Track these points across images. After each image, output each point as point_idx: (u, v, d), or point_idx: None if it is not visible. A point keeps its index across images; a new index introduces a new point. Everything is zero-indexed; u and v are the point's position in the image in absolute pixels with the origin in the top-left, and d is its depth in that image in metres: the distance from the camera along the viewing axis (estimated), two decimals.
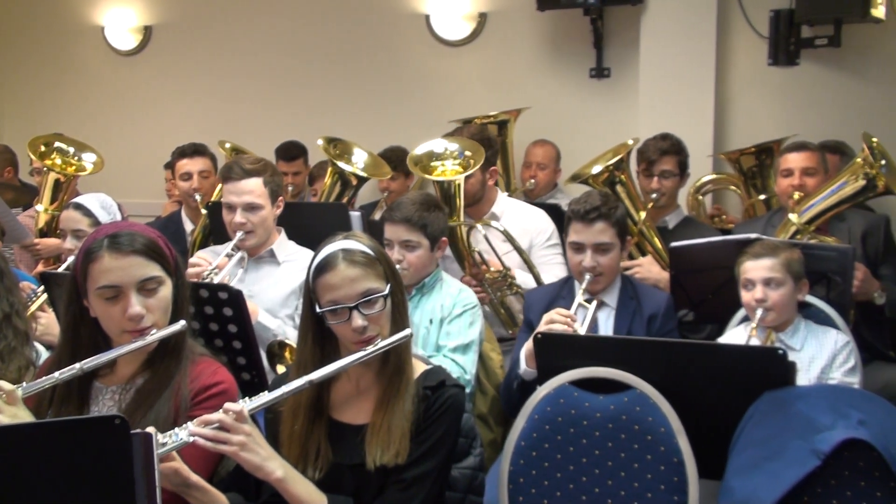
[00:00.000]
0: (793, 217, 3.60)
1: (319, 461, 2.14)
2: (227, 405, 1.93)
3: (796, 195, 3.69)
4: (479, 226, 3.76)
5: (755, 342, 2.84)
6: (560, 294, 3.29)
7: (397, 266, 2.94)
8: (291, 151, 5.51)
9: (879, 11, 4.56)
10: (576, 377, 2.49)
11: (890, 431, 2.15)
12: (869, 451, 2.08)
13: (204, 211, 4.18)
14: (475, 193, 3.85)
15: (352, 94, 5.96)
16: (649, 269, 3.73)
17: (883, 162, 3.42)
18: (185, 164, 4.44)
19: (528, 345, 2.89)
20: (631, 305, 3.23)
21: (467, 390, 2.90)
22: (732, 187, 4.93)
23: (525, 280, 3.72)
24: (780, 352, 2.39)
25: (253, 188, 3.35)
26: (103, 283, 2.06)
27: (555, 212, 4.06)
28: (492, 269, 3.69)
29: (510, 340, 3.60)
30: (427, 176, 3.76)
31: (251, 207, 3.35)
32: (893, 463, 2.06)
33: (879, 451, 2.07)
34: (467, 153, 3.75)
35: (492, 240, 3.73)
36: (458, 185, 3.68)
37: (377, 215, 4.75)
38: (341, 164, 4.17)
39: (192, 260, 3.33)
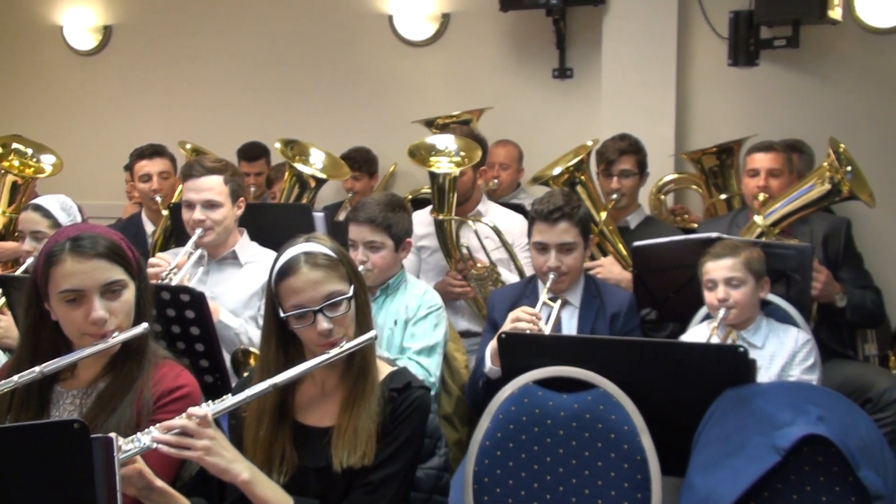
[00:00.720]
0: (758, 219, 3.62)
1: (284, 465, 2.13)
2: (191, 410, 1.92)
3: (761, 196, 3.72)
4: (469, 222, 3.80)
5: (715, 340, 2.87)
6: (524, 293, 3.31)
7: (361, 267, 2.94)
8: (253, 152, 5.48)
9: (836, 13, 4.62)
10: (540, 376, 2.50)
11: (848, 427, 2.18)
12: (828, 446, 2.10)
13: (165, 212, 4.14)
14: (466, 192, 3.89)
15: (315, 94, 5.93)
16: (610, 270, 3.73)
17: (849, 168, 3.46)
18: (145, 166, 4.37)
19: (493, 344, 2.90)
20: (594, 304, 3.25)
21: (432, 392, 2.90)
22: (694, 187, 4.97)
23: (509, 278, 3.77)
24: (741, 350, 2.42)
25: (213, 185, 3.32)
26: (66, 287, 2.03)
27: (519, 212, 4.08)
28: (478, 265, 3.74)
29: (476, 337, 3.62)
30: (424, 167, 3.79)
31: (210, 205, 3.32)
32: (852, 458, 2.09)
33: (838, 447, 2.09)
34: (462, 153, 3.81)
35: (480, 236, 3.80)
36: (453, 179, 3.72)
37: (341, 216, 4.73)
38: (299, 166, 4.13)
39: (151, 260, 3.29)
